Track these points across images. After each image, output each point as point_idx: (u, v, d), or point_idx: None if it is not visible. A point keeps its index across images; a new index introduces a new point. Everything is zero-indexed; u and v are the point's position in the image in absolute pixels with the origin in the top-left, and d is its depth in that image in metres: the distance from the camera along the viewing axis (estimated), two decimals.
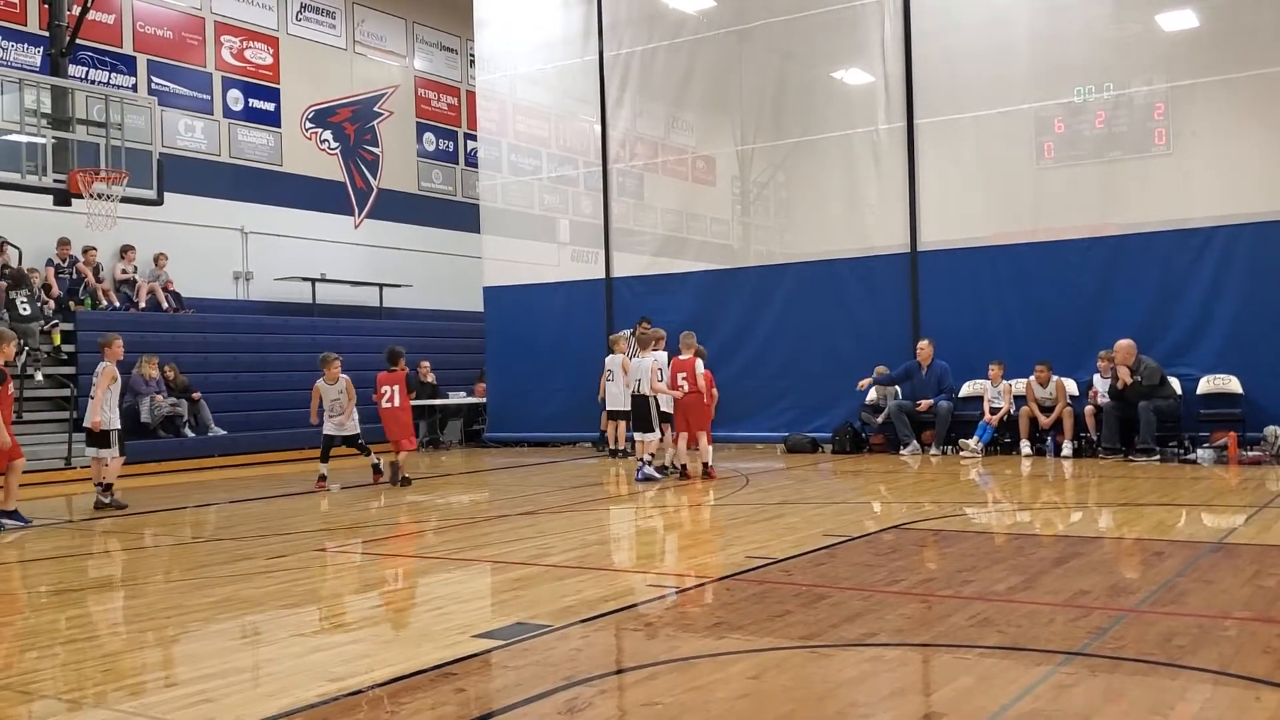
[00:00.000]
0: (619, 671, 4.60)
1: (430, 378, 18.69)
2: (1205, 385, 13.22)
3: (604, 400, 15.19)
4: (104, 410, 10.39)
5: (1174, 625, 4.86)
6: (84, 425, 10.47)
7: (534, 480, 12.82)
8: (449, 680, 4.32)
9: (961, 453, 13.88)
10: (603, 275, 17.98)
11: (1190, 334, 13.50)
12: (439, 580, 6.95)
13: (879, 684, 4.20)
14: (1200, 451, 12.37)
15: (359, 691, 4.18)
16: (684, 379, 11.73)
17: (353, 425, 12.33)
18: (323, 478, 12.10)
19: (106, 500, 10.39)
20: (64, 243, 16.54)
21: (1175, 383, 13.08)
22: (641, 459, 11.93)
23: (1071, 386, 13.67)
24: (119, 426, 10.56)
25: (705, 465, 11.93)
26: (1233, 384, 13.07)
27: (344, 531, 8.95)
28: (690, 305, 16.87)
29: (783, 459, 14.53)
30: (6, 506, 9.40)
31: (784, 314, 16.12)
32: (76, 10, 14.57)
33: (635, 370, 12.55)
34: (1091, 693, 3.99)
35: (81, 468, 14.22)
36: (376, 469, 12.54)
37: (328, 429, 12.26)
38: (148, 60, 18.41)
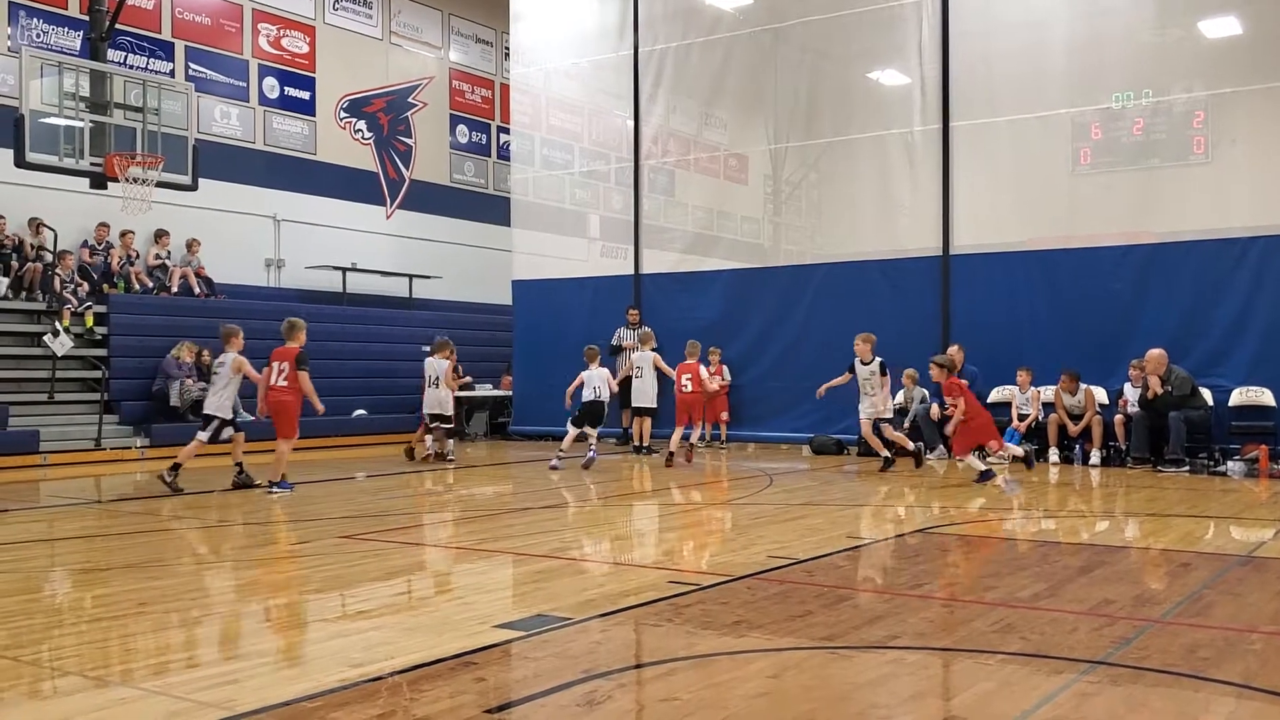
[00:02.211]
0: (638, 666, 4.61)
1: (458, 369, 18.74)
2: (1237, 397, 13.05)
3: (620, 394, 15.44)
4: (221, 399, 10.83)
5: (1199, 637, 4.81)
6: (207, 412, 10.96)
7: (558, 474, 12.83)
8: (469, 669, 4.34)
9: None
10: (632, 271, 17.97)
11: (1223, 345, 13.32)
12: (461, 570, 6.98)
13: (899, 686, 4.19)
14: (1230, 464, 12.22)
15: (380, 678, 4.20)
16: (689, 379, 13.49)
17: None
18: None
19: (244, 480, 10.85)
20: (102, 226, 16.71)
21: (1207, 394, 12.92)
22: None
23: (1101, 395, 13.53)
24: (229, 416, 10.93)
25: (671, 454, 13.29)
26: (1265, 396, 12.89)
27: (368, 520, 8.99)
28: (719, 303, 16.84)
29: (808, 460, 14.48)
30: (275, 477, 10.45)
31: (813, 314, 16.03)
32: None
33: (640, 363, 14.27)
34: (1113, 702, 3.96)
35: (112, 449, 14.58)
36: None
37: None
38: (185, 46, 18.57)
